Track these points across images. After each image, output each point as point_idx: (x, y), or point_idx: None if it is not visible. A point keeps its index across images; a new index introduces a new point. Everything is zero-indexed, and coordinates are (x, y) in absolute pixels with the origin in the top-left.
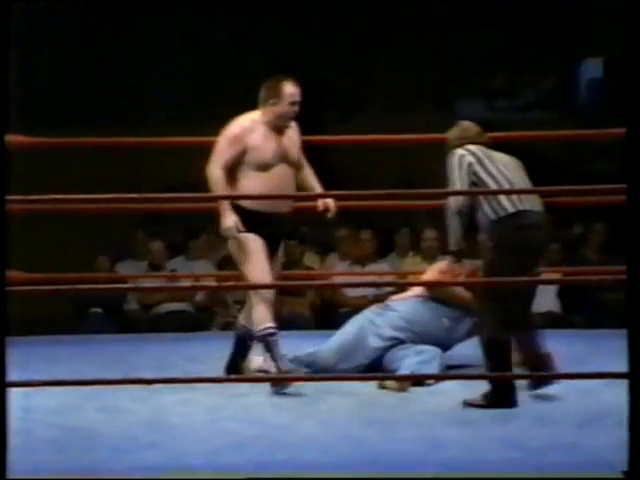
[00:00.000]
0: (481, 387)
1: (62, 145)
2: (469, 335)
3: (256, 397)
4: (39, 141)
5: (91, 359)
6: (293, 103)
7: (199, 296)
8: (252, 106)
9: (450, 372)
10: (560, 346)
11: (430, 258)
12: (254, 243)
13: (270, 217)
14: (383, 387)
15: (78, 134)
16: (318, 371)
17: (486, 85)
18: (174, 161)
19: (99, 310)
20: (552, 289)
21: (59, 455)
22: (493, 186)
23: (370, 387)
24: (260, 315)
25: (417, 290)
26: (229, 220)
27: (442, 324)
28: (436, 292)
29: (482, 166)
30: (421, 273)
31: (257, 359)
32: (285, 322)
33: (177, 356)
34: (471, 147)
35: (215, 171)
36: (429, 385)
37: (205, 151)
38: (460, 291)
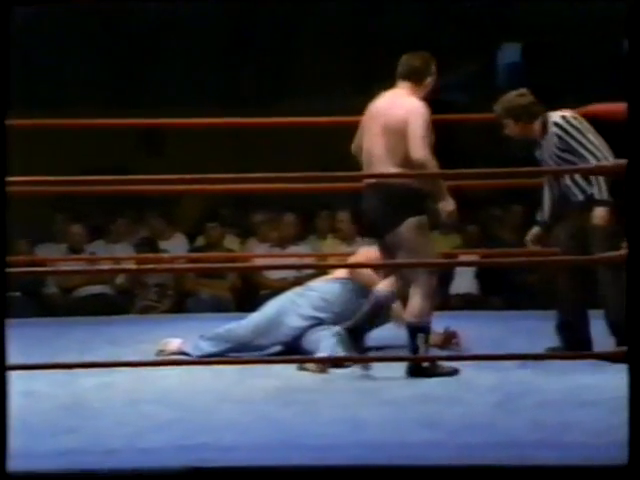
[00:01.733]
0: (400, 368)
1: None
2: (388, 318)
3: (176, 380)
4: None
5: (10, 343)
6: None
7: (119, 279)
8: (175, 91)
9: (368, 354)
10: (479, 327)
11: (347, 240)
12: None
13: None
14: (303, 369)
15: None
16: (236, 346)
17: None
18: (96, 145)
19: (18, 294)
20: (470, 271)
21: None
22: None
23: (290, 369)
24: (422, 307)
25: (339, 272)
26: (452, 204)
27: (362, 306)
28: (355, 276)
29: None
30: (341, 255)
31: (175, 341)
32: (206, 305)
33: (97, 339)
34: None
35: (428, 155)
36: (348, 367)
37: (131, 134)
38: (374, 278)
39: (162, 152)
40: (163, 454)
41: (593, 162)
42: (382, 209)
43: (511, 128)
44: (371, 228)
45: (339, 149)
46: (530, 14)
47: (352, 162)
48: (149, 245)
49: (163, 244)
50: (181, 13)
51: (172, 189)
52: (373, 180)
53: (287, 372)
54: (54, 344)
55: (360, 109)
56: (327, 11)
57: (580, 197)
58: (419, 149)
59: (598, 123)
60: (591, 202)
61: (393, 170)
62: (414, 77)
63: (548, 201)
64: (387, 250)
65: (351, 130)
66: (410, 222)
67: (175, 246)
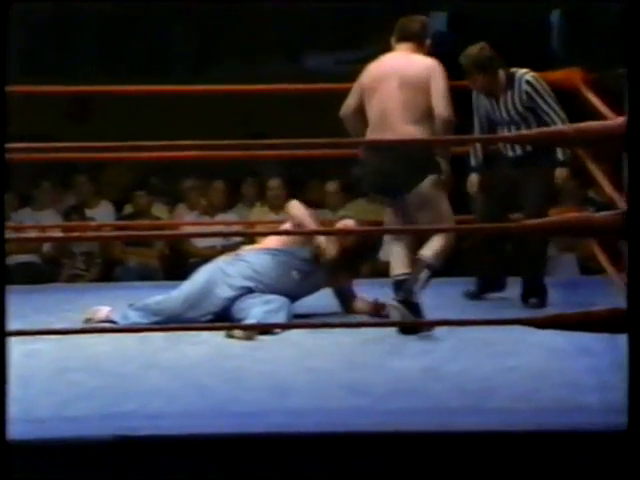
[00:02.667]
0: (326, 335)
1: None
2: (317, 288)
3: (103, 347)
4: None
5: None
6: None
7: (46, 247)
8: (101, 59)
9: (297, 321)
10: None
11: (276, 208)
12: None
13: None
14: (230, 336)
15: None
16: (166, 319)
17: (333, 38)
18: (20, 112)
19: None
20: None
21: None
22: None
23: (218, 336)
24: (441, 251)
25: (270, 242)
26: (448, 169)
27: (291, 276)
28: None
29: None
30: (270, 223)
31: (103, 309)
32: (133, 273)
33: (24, 307)
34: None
35: (452, 113)
36: (276, 334)
37: (56, 102)
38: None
39: (88, 120)
40: (90, 422)
41: (559, 123)
42: (400, 168)
43: (478, 81)
44: (382, 189)
45: (271, 117)
46: None
47: (284, 130)
48: (77, 213)
49: (90, 212)
50: None
51: (99, 157)
52: (387, 140)
53: (215, 339)
54: None
55: (288, 78)
56: None
57: (519, 152)
58: (444, 107)
59: None
60: (553, 163)
61: (411, 127)
62: (416, 39)
63: (479, 147)
64: (401, 211)
65: (282, 98)
66: (430, 180)
67: (102, 214)
